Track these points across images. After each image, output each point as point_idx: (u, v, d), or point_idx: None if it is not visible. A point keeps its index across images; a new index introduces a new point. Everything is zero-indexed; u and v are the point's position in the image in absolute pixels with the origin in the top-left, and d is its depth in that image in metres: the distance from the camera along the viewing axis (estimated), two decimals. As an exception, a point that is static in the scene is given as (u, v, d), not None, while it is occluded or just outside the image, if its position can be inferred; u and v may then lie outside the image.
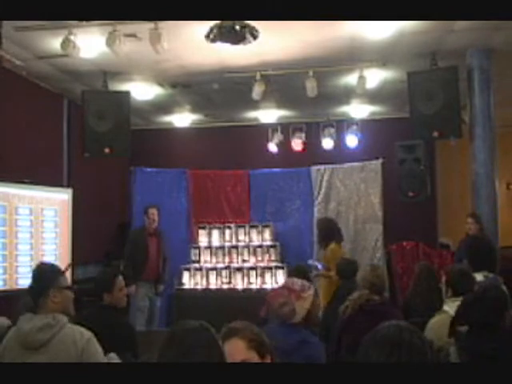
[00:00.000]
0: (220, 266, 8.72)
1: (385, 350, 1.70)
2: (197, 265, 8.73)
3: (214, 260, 8.82)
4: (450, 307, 3.85)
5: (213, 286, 8.53)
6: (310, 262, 7.57)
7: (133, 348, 4.01)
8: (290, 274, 6.15)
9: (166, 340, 2.15)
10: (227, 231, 9.04)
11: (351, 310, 4.43)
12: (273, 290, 3.78)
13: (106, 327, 3.77)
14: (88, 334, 3.22)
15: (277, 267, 8.49)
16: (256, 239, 8.94)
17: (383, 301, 4.41)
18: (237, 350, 2.28)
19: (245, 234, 8.99)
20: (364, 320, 4.04)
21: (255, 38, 5.79)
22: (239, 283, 8.52)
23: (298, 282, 3.47)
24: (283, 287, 3.49)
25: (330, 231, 7.34)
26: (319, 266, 7.23)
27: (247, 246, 8.85)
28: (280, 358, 2.92)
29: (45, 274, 3.35)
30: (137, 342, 4.12)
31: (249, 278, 8.49)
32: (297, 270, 6.19)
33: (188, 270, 8.60)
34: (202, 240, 9.02)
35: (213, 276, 8.57)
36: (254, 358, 2.29)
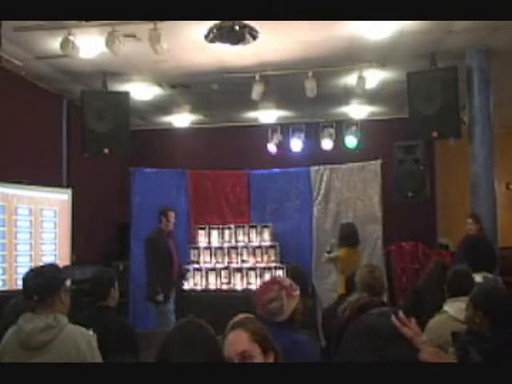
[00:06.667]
0: (219, 266, 8.71)
1: (364, 336, 1.72)
2: (196, 265, 8.73)
3: (213, 260, 8.82)
4: (450, 307, 3.85)
5: (212, 287, 8.53)
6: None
7: (133, 349, 4.00)
8: (289, 276, 6.15)
9: (165, 339, 2.18)
10: (226, 231, 9.04)
11: (349, 311, 4.42)
12: (261, 284, 3.59)
13: (107, 328, 3.77)
14: (88, 334, 3.22)
15: (276, 267, 8.49)
16: (255, 240, 8.93)
17: (382, 302, 4.40)
18: (239, 340, 2.31)
19: (244, 235, 8.99)
20: None
21: (254, 38, 5.80)
22: (238, 283, 8.52)
23: (287, 279, 3.41)
24: (273, 282, 3.38)
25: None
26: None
27: (246, 247, 8.85)
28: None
29: (57, 273, 3.36)
30: (137, 342, 4.12)
31: (248, 279, 8.49)
32: (292, 271, 6.21)
33: (187, 270, 8.60)
34: (202, 240, 9.01)
35: (212, 276, 8.57)
36: (256, 350, 2.30)
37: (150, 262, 7.49)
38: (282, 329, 3.09)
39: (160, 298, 7.21)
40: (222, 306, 7.56)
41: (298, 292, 3.31)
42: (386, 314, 1.83)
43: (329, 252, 7.77)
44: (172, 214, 7.62)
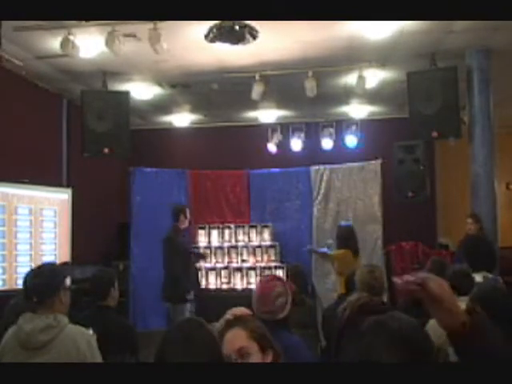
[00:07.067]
0: (219, 265, 8.72)
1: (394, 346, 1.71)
2: (196, 265, 8.73)
3: (213, 260, 8.82)
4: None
5: (212, 286, 8.54)
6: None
7: (133, 349, 4.00)
8: (290, 276, 6.13)
9: (164, 338, 2.18)
10: (226, 231, 9.05)
11: (349, 311, 4.42)
12: (262, 283, 3.41)
13: (107, 328, 3.77)
14: (88, 334, 3.22)
15: (276, 267, 8.50)
16: (255, 239, 8.95)
17: (382, 302, 4.39)
18: (237, 338, 2.32)
19: (244, 234, 9.00)
20: (364, 321, 4.02)
21: (255, 38, 5.81)
22: (238, 283, 8.53)
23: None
24: (274, 278, 3.36)
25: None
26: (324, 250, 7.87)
27: (246, 246, 8.86)
28: None
29: (56, 273, 3.35)
30: (137, 342, 4.12)
31: (248, 278, 8.50)
32: (292, 270, 6.19)
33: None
34: (202, 240, 9.02)
35: (212, 276, 8.58)
36: (254, 347, 2.31)
37: (173, 262, 7.35)
38: (279, 328, 3.04)
39: (191, 296, 7.20)
40: (222, 306, 7.56)
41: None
42: (410, 322, 1.85)
43: (328, 247, 7.81)
44: (188, 211, 7.66)
